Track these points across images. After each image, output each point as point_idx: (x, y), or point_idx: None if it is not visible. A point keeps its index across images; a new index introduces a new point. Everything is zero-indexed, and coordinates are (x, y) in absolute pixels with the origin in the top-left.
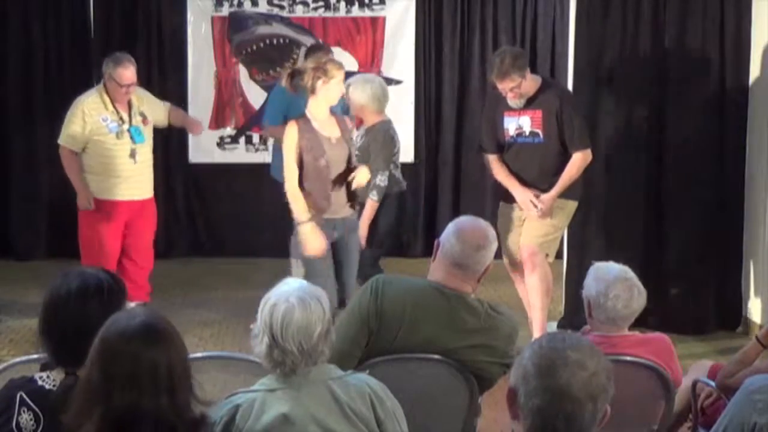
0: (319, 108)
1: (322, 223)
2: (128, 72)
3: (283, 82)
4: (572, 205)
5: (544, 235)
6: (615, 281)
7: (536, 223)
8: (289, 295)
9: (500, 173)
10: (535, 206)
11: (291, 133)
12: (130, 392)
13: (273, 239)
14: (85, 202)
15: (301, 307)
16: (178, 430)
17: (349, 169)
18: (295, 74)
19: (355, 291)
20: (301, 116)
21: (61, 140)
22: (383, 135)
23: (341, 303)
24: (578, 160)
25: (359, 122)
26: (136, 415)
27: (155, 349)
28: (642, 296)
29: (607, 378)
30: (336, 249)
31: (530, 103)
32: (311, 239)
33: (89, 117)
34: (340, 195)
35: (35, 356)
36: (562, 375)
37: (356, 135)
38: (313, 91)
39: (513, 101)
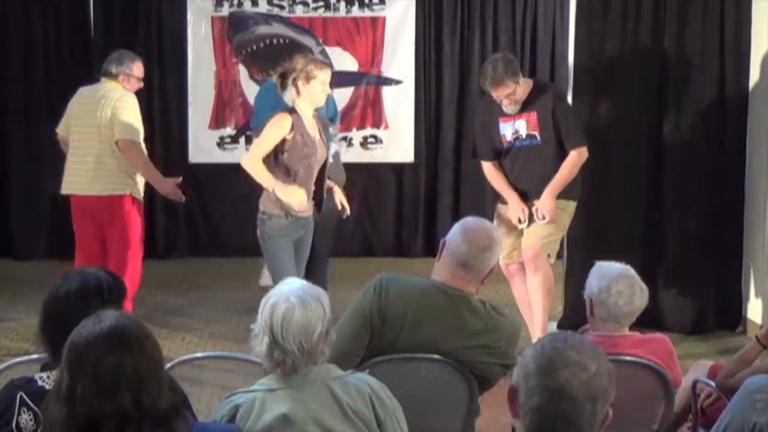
0: (305, 108)
1: (295, 221)
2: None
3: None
4: (572, 206)
5: (547, 236)
6: (617, 278)
7: (539, 225)
8: (290, 294)
9: (497, 182)
10: (522, 219)
11: (283, 124)
12: (92, 396)
13: None
14: (173, 186)
15: (302, 306)
16: (144, 426)
17: (322, 169)
18: (283, 75)
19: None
20: (292, 111)
21: (133, 136)
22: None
23: None
24: (573, 158)
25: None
26: (97, 418)
27: (120, 353)
28: (644, 294)
29: (609, 380)
30: (298, 248)
31: (524, 106)
32: (294, 195)
33: None
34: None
35: (35, 356)
36: (561, 375)
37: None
38: (297, 92)
39: (508, 107)
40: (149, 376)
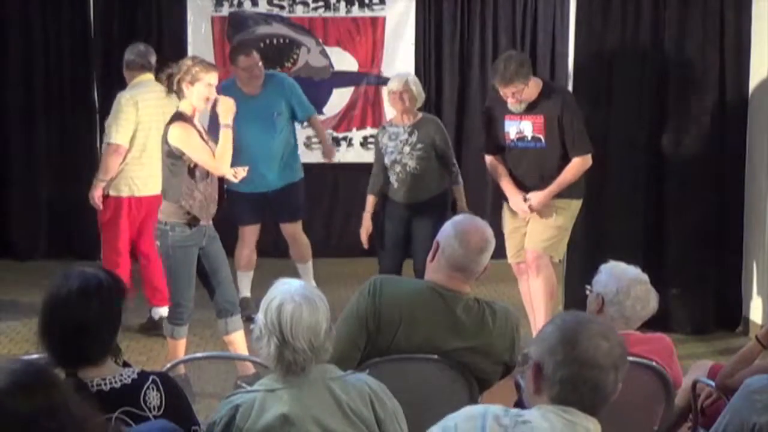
0: (189, 111)
1: (198, 230)
2: None
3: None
4: (576, 204)
5: (549, 238)
6: (635, 282)
7: (541, 226)
8: (294, 294)
9: (498, 173)
10: (524, 208)
11: (193, 133)
12: None
13: (273, 239)
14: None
15: (308, 305)
16: None
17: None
18: (170, 77)
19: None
20: (181, 118)
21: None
22: (440, 125)
23: (220, 313)
24: (576, 165)
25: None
26: None
27: (26, 402)
28: (656, 300)
29: (623, 350)
30: (202, 258)
31: (532, 107)
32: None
33: None
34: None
35: (35, 356)
36: (589, 345)
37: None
38: (182, 95)
39: (513, 106)
40: (63, 416)
